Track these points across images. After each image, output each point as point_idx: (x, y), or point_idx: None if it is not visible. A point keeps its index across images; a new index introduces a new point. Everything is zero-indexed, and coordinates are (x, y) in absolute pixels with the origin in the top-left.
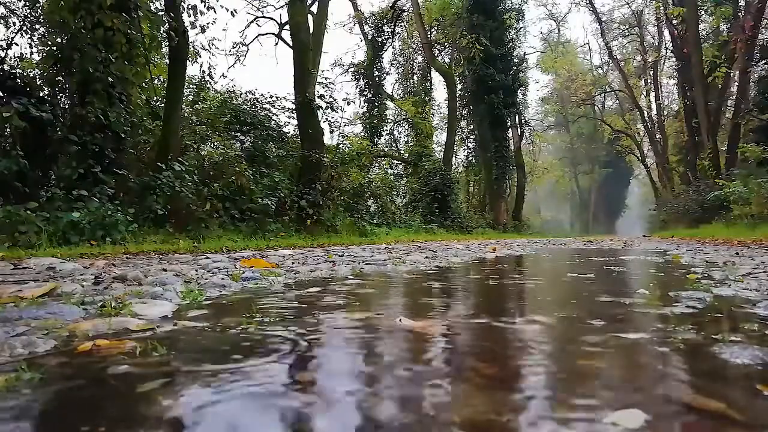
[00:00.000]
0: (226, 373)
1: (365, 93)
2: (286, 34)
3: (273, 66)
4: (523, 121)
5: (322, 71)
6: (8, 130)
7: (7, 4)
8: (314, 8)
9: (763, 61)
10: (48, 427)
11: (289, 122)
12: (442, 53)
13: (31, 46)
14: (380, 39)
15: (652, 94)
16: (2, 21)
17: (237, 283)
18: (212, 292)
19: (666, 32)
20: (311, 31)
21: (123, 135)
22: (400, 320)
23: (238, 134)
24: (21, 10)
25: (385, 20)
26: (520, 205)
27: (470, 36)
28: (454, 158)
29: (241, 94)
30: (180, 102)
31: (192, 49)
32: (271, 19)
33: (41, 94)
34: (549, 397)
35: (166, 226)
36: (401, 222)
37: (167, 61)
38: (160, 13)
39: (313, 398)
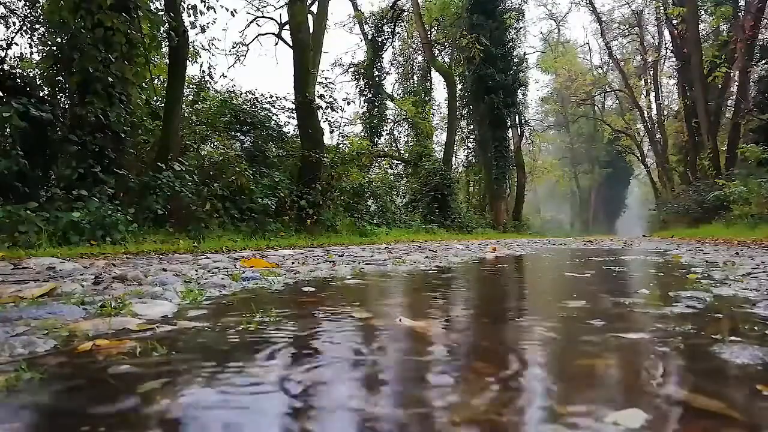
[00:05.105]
0: (226, 373)
1: (365, 93)
2: (286, 34)
3: (273, 66)
4: (523, 121)
5: (322, 71)
6: (8, 130)
7: (7, 4)
8: (314, 8)
9: (763, 61)
10: (48, 426)
11: (289, 122)
12: (442, 53)
13: (31, 46)
14: (380, 39)
15: (652, 94)
16: (2, 21)
17: (237, 283)
18: (212, 292)
19: (666, 32)
20: (311, 31)
21: (123, 135)
22: (400, 320)
23: (238, 134)
24: (21, 10)
25: (385, 20)
26: (520, 205)
27: (470, 36)
28: (454, 158)
29: (241, 94)
30: (180, 102)
31: (192, 49)
32: (271, 19)
33: (41, 94)
34: (549, 397)
35: (166, 226)
36: (401, 222)
37: (167, 61)
38: (160, 13)
39: (313, 398)
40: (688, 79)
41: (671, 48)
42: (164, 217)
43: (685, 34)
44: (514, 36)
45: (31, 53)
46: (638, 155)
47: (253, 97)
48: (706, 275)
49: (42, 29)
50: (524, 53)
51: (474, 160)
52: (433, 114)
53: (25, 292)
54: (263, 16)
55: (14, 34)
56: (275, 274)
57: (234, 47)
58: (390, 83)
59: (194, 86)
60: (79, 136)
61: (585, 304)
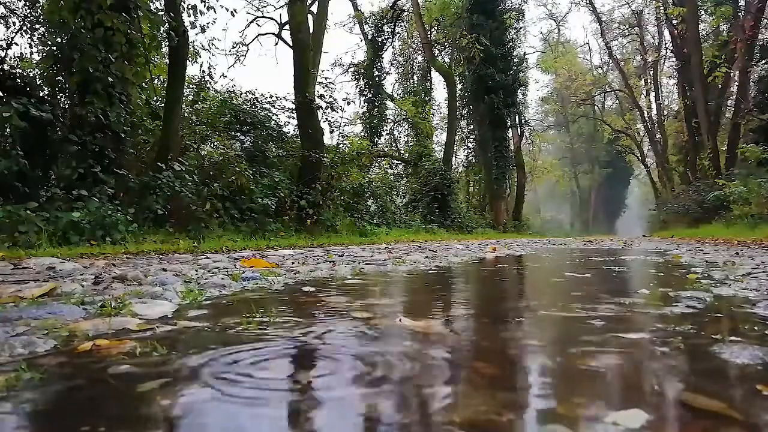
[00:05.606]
0: (226, 373)
1: (365, 93)
2: (286, 34)
3: (273, 66)
4: (523, 121)
5: (322, 71)
6: (8, 130)
7: (7, 4)
8: (314, 8)
9: (763, 61)
10: (48, 426)
11: (289, 122)
12: (442, 53)
13: (31, 46)
14: (380, 39)
15: (652, 94)
16: (2, 21)
17: (237, 283)
18: (212, 292)
19: (666, 32)
20: (311, 31)
21: (123, 135)
22: (400, 320)
23: (238, 134)
24: (21, 10)
25: (385, 20)
26: (520, 205)
27: (470, 36)
28: (454, 158)
29: (241, 94)
30: (180, 102)
31: (192, 49)
32: (271, 19)
33: (41, 94)
34: (549, 397)
35: (166, 226)
36: (401, 222)
37: (167, 61)
38: (160, 13)
39: (313, 399)
40: (688, 79)
41: (671, 48)
42: (164, 217)
43: (685, 34)
44: (514, 36)
45: (31, 53)
46: (638, 155)
47: (253, 97)
48: (706, 275)
49: (42, 29)
50: (524, 53)
51: (474, 160)
52: (433, 114)
53: (25, 292)
54: (263, 16)
55: (14, 34)
56: (275, 274)
57: (234, 47)
58: (390, 83)
59: (194, 86)
60: (79, 136)
61: (585, 304)
